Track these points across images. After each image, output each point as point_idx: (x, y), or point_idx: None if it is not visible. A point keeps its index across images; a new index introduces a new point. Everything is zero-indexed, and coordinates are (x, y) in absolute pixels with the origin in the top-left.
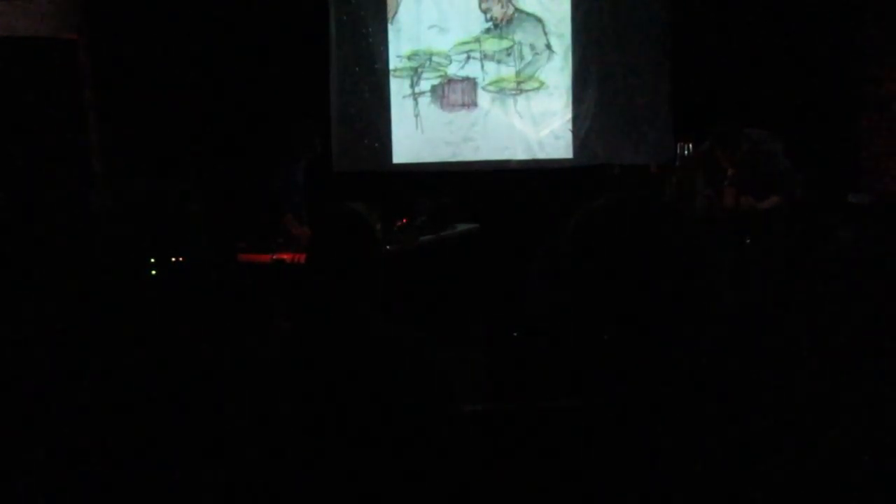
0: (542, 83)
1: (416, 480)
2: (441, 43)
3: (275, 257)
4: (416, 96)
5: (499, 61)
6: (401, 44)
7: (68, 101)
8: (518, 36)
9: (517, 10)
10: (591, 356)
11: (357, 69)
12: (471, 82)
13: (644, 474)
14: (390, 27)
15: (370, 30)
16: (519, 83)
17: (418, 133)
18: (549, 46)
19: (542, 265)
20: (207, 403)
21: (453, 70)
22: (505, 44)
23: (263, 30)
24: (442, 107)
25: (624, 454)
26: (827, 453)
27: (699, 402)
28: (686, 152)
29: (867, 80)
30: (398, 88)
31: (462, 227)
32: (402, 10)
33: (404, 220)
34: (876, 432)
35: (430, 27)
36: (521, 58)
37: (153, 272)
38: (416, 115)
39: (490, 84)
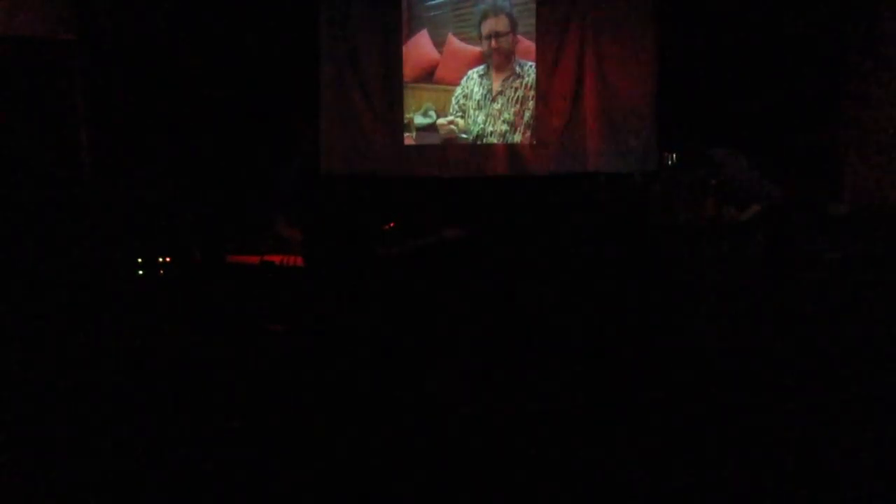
0: (530, 91)
1: (411, 479)
2: None
3: (264, 259)
4: None
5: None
6: None
7: (60, 101)
8: None
9: None
10: (582, 358)
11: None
12: None
13: (637, 474)
14: None
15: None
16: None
17: (408, 139)
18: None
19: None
20: (196, 402)
21: None
22: None
23: (256, 33)
24: None
25: (617, 454)
26: (816, 453)
27: (688, 402)
28: (670, 162)
29: (847, 93)
30: None
31: (448, 232)
32: None
33: (392, 224)
34: (867, 434)
35: None
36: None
37: (141, 272)
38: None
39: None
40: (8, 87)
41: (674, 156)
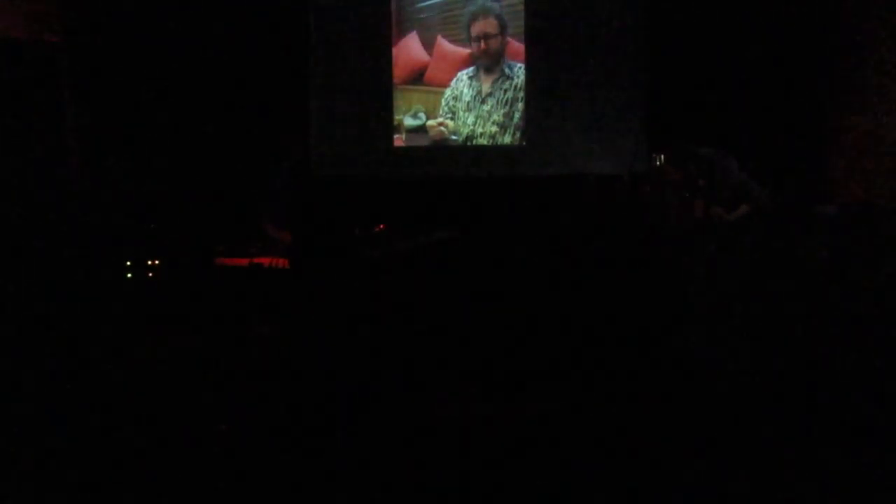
0: (519, 93)
1: (403, 482)
2: None
3: (253, 261)
4: None
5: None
6: None
7: (47, 103)
8: None
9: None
10: (575, 359)
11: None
12: None
13: (632, 473)
14: None
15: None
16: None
17: (398, 141)
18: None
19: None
20: (184, 405)
21: None
22: None
23: (244, 34)
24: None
25: (611, 453)
26: (813, 453)
27: (682, 403)
28: (659, 163)
29: (834, 95)
30: None
31: (439, 233)
32: None
33: (381, 226)
34: (862, 434)
35: None
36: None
37: (129, 275)
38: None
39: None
40: None
41: (662, 157)
